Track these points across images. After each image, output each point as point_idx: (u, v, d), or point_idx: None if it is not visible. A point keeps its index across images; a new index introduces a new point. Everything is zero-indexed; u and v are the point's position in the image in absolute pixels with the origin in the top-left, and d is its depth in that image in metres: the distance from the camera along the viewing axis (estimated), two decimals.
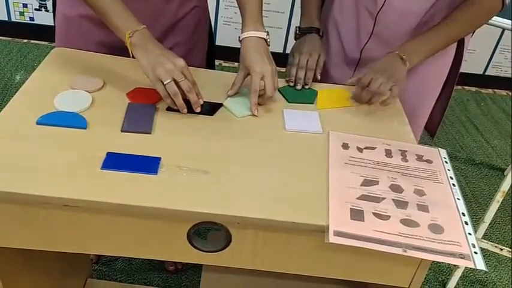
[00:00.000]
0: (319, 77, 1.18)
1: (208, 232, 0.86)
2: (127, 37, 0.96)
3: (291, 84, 1.16)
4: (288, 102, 1.12)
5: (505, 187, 1.56)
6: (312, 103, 1.12)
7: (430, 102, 1.32)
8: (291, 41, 3.35)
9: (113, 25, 0.99)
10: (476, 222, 1.69)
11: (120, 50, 1.14)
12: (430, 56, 1.15)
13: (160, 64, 0.94)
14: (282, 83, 1.17)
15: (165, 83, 0.94)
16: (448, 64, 1.27)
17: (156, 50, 0.97)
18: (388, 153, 0.98)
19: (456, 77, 1.29)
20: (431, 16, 1.17)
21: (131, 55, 0.98)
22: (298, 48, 1.20)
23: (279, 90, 1.13)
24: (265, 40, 1.07)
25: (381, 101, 1.08)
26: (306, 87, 1.16)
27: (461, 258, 0.77)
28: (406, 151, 0.99)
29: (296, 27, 1.26)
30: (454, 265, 1.70)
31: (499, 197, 1.56)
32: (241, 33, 1.07)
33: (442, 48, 1.15)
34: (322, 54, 1.20)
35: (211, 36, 1.38)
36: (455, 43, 1.23)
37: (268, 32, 1.09)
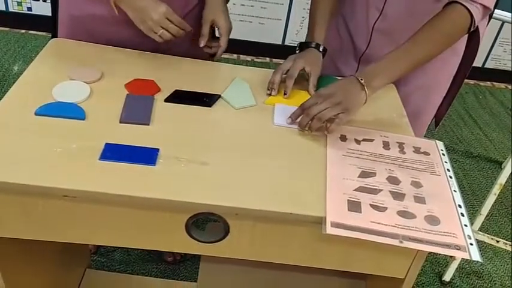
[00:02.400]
0: (312, 91, 1.09)
1: (206, 223, 0.86)
2: None
3: (268, 92, 1.09)
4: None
5: (502, 180, 1.56)
6: None
7: (436, 101, 1.30)
8: (290, 33, 3.32)
9: None
10: (473, 215, 1.70)
11: (127, 47, 1.14)
12: (397, 78, 1.03)
13: (147, 17, 1.03)
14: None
15: (158, 34, 1.05)
16: (457, 63, 1.25)
17: (139, 2, 1.04)
18: (386, 145, 0.98)
19: (468, 69, 1.26)
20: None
21: (115, 9, 1.05)
22: (288, 57, 1.13)
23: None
24: None
25: (325, 128, 0.96)
26: (285, 96, 1.08)
27: (457, 249, 0.78)
28: (403, 143, 1.00)
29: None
30: (451, 256, 1.71)
31: (496, 190, 1.57)
32: None
33: (411, 70, 1.03)
34: (315, 69, 1.10)
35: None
36: (467, 36, 1.20)
37: None
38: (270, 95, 1.09)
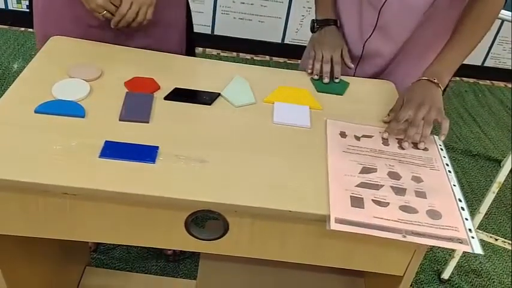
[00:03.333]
0: (351, 65, 1.19)
1: (206, 220, 0.86)
2: None
3: (316, 77, 1.16)
4: (317, 91, 1.13)
5: (501, 178, 1.56)
6: (341, 94, 1.13)
7: None
8: (290, 31, 3.32)
9: None
10: (472, 213, 1.69)
11: (97, 27, 1.14)
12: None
13: (91, 0, 1.06)
14: (304, 75, 1.18)
15: (100, 15, 1.08)
16: None
17: None
18: (385, 142, 0.99)
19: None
20: (434, 8, 1.15)
21: None
22: (319, 42, 1.20)
23: (311, 80, 1.16)
24: None
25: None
26: (336, 80, 1.16)
27: (459, 242, 0.79)
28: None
29: (312, 20, 1.26)
30: (450, 254, 1.71)
31: (495, 188, 1.57)
32: None
33: (465, 58, 1.13)
34: (345, 46, 1.21)
35: (191, 25, 1.41)
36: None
37: None
38: (319, 80, 1.16)
